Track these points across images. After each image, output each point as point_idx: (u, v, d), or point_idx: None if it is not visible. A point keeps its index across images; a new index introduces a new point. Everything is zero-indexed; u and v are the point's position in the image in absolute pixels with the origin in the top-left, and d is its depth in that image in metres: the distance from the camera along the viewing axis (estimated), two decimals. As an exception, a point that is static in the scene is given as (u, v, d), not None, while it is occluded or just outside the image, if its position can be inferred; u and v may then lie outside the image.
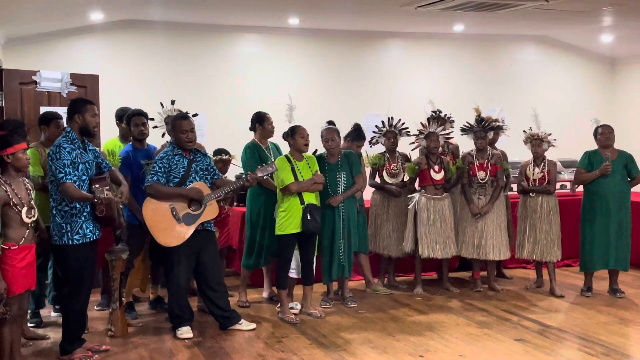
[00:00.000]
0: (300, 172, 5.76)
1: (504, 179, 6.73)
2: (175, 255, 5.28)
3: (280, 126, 6.15)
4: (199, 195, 5.25)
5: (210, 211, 5.36)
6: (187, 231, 5.25)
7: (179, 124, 5.32)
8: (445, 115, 6.94)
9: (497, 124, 6.75)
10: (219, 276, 5.50)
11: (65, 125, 5.28)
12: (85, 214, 4.77)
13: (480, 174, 6.56)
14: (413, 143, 6.72)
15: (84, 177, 4.75)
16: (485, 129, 6.57)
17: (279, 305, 6.00)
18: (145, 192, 5.26)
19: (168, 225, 5.21)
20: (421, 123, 6.65)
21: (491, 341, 5.22)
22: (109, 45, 8.00)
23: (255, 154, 6.19)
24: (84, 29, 7.82)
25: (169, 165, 5.26)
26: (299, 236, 5.76)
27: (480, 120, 6.59)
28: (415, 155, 6.92)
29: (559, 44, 9.91)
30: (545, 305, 6.30)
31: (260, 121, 6.29)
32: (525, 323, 5.70)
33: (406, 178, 6.80)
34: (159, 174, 5.22)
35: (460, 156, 6.80)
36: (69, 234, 4.71)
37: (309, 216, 5.65)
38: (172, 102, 5.97)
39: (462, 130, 6.68)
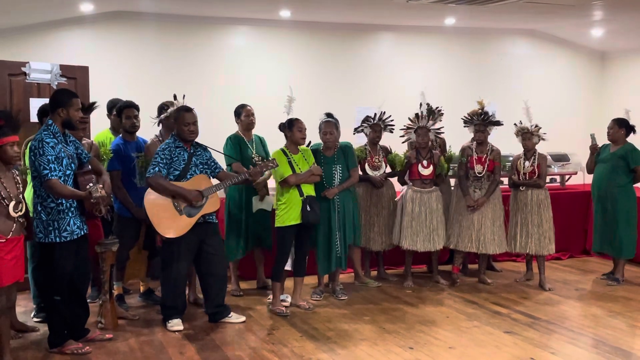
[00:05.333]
0: (297, 165, 5.77)
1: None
2: (176, 247, 5.27)
3: (275, 117, 6.14)
4: (197, 199, 5.24)
5: (212, 204, 5.36)
6: (188, 223, 5.24)
7: (182, 116, 5.31)
8: (436, 108, 6.95)
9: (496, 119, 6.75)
10: (221, 267, 5.49)
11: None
12: (72, 209, 4.70)
13: (478, 168, 6.58)
14: (403, 136, 6.73)
15: (68, 172, 4.67)
16: (485, 123, 6.58)
17: (269, 297, 6.01)
18: (147, 182, 5.25)
19: (169, 217, 5.20)
20: (409, 118, 6.66)
21: (481, 333, 5.25)
22: (99, 36, 7.95)
23: (236, 146, 6.21)
24: (73, 20, 7.77)
25: (171, 157, 5.25)
26: (297, 228, 5.77)
27: (482, 113, 6.59)
28: (402, 148, 6.93)
29: (549, 37, 9.93)
30: (535, 298, 6.33)
31: (237, 114, 6.33)
32: (515, 316, 5.73)
33: (388, 170, 6.82)
34: (160, 165, 5.21)
35: (460, 148, 6.79)
36: (56, 231, 4.64)
37: (308, 208, 5.67)
38: (183, 97, 5.89)
39: (464, 122, 6.69)
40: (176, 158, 5.27)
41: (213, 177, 5.46)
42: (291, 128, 5.81)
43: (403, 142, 6.81)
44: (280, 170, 5.70)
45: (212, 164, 5.46)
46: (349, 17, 8.71)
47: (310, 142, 6.29)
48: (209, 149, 5.60)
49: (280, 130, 5.93)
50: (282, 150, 5.84)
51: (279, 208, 5.77)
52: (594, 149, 6.91)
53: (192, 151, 5.36)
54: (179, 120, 5.32)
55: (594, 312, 5.87)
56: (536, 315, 5.74)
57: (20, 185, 4.42)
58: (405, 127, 6.63)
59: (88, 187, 4.60)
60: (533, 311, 5.86)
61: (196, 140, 5.43)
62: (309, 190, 5.79)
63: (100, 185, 4.62)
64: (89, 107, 5.58)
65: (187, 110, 5.37)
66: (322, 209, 6.02)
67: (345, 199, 6.17)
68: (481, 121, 6.57)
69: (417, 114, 6.59)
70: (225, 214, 6.39)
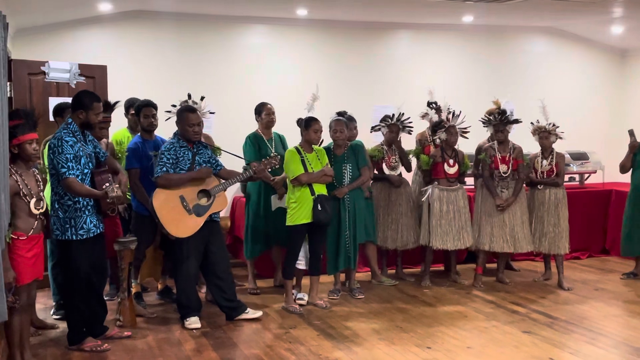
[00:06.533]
0: (310, 164, 5.78)
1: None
2: (185, 246, 5.30)
3: (292, 116, 6.15)
4: (209, 174, 5.28)
5: (219, 202, 5.38)
6: (197, 222, 5.27)
7: (187, 117, 5.32)
8: (447, 107, 6.93)
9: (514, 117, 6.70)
10: (226, 265, 5.52)
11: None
12: (89, 207, 4.74)
13: (502, 167, 6.53)
14: (435, 135, 6.69)
15: (86, 171, 4.71)
16: (504, 122, 6.53)
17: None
18: (156, 183, 5.26)
19: (178, 217, 5.22)
20: (421, 117, 6.67)
21: (499, 333, 5.22)
22: (117, 36, 7.98)
23: (255, 145, 6.25)
24: (92, 20, 7.80)
25: (176, 157, 5.27)
26: (309, 227, 5.77)
27: (500, 113, 6.55)
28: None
29: (568, 35, 9.83)
30: (554, 297, 6.29)
31: (257, 112, 6.37)
32: (534, 315, 5.69)
33: (404, 171, 6.80)
34: (167, 165, 5.23)
35: (482, 149, 6.76)
36: (73, 229, 4.68)
37: (319, 207, 5.67)
38: (202, 98, 5.95)
39: (482, 123, 6.66)
40: (182, 157, 5.30)
41: (215, 175, 5.47)
42: (307, 128, 5.81)
43: (432, 140, 6.77)
44: (292, 168, 5.70)
45: (214, 161, 5.49)
46: (366, 15, 8.68)
47: (322, 140, 6.29)
48: (227, 152, 5.61)
49: (298, 125, 5.94)
50: (296, 148, 5.85)
51: (290, 207, 5.78)
52: (633, 146, 6.74)
53: (195, 150, 5.38)
54: (183, 121, 5.34)
55: (613, 312, 5.82)
56: (555, 315, 5.70)
57: (41, 183, 4.46)
58: (437, 125, 6.61)
59: (104, 187, 4.63)
60: (552, 311, 5.81)
61: (208, 138, 5.46)
62: (320, 189, 5.79)
63: (117, 185, 4.65)
64: (112, 106, 5.62)
65: (191, 110, 5.39)
66: (332, 208, 6.03)
67: (356, 198, 6.16)
68: (500, 121, 6.52)
69: (442, 121, 6.56)
70: (245, 212, 6.42)
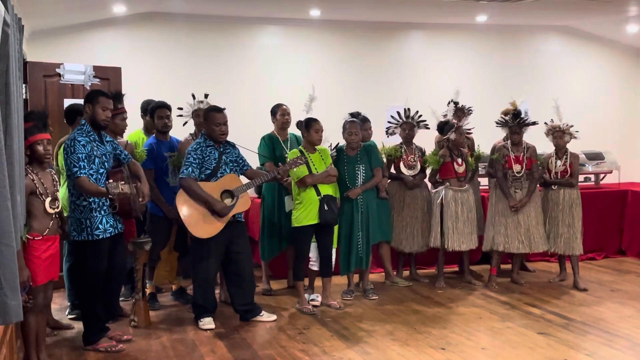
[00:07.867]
0: (313, 165, 5.77)
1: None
2: (206, 247, 5.30)
3: (299, 116, 6.15)
4: (223, 212, 5.25)
5: (243, 203, 5.38)
6: (220, 223, 5.27)
7: (213, 117, 5.33)
8: (468, 108, 6.91)
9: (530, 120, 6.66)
10: (250, 267, 5.51)
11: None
12: (105, 208, 4.75)
13: (516, 167, 6.50)
14: (446, 134, 6.67)
15: (101, 171, 4.72)
16: (520, 125, 6.50)
17: (300, 295, 6.03)
18: (179, 183, 5.29)
19: (201, 217, 5.23)
20: (443, 115, 6.63)
21: (514, 334, 5.19)
22: (131, 37, 8.02)
23: (269, 146, 6.25)
24: (106, 22, 7.86)
25: (202, 157, 5.29)
26: (316, 228, 5.77)
27: (515, 115, 6.51)
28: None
29: (583, 34, 9.77)
30: (569, 298, 6.24)
31: (273, 113, 6.39)
32: (549, 316, 5.65)
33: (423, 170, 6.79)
34: (193, 165, 5.25)
35: (495, 149, 6.73)
36: (89, 229, 4.69)
37: (326, 207, 5.67)
38: (206, 96, 5.99)
39: (497, 124, 6.63)
40: (207, 157, 5.31)
41: (241, 175, 5.49)
42: (308, 129, 5.81)
43: (442, 140, 6.76)
44: (296, 170, 5.70)
45: (241, 161, 5.50)
46: (379, 16, 8.67)
47: (338, 143, 6.29)
48: (242, 147, 5.63)
49: (298, 128, 5.96)
50: (299, 150, 5.85)
51: (295, 208, 5.78)
52: None
53: (222, 149, 5.39)
54: (209, 120, 5.35)
55: (630, 313, 5.76)
56: (570, 316, 5.66)
57: (57, 183, 4.49)
58: (444, 125, 6.60)
59: (107, 183, 4.64)
60: (567, 312, 5.77)
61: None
62: (326, 189, 5.78)
63: (122, 182, 4.65)
64: (116, 97, 5.60)
65: (218, 110, 5.39)
66: (345, 209, 6.02)
67: (369, 199, 6.15)
68: (517, 124, 6.48)
69: (455, 112, 6.55)
70: (260, 214, 6.42)
